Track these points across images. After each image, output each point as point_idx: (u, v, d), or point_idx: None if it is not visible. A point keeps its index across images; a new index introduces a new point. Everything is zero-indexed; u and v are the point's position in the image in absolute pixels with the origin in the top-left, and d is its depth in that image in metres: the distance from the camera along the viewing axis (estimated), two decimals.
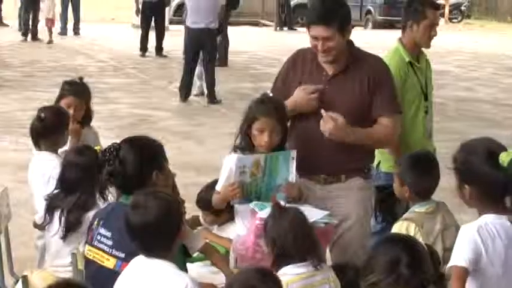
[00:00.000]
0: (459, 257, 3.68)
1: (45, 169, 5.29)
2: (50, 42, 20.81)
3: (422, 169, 4.70)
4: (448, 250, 4.45)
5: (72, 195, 4.85)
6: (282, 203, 4.27)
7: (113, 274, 3.92)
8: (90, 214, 4.61)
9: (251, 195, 4.64)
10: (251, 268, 3.80)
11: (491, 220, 3.77)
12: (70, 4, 22.94)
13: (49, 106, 5.72)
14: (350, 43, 4.89)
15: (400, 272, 2.88)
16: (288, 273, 3.89)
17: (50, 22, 20.93)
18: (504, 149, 3.82)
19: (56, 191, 4.95)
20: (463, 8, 33.89)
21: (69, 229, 4.81)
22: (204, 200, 5.17)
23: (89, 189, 4.81)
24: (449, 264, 3.70)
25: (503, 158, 3.72)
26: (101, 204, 4.64)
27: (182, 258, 3.97)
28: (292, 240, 3.95)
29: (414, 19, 5.77)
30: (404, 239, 3.19)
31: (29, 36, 21.51)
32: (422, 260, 2.97)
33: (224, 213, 5.13)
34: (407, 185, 4.62)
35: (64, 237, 4.82)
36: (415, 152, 5.14)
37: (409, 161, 4.77)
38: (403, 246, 2.98)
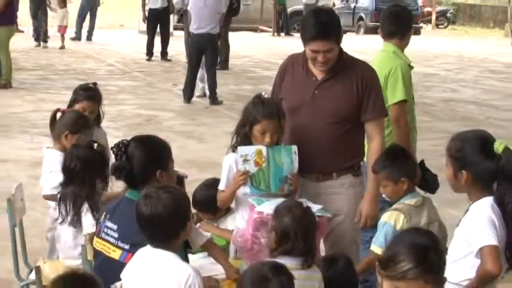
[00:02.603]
0: (487, 236, 3.78)
1: (51, 165, 5.32)
2: (62, 47, 20.78)
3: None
4: None
5: (73, 185, 4.90)
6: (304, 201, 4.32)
7: (119, 264, 3.93)
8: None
9: (260, 185, 4.65)
10: (266, 261, 3.80)
11: (492, 201, 3.89)
12: (89, 13, 23.01)
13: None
14: (340, 49, 4.88)
15: (431, 261, 2.88)
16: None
17: (63, 29, 20.90)
18: (493, 138, 3.98)
19: (61, 182, 5.00)
20: (448, 14, 33.93)
21: (75, 217, 4.86)
22: (199, 201, 5.15)
23: (87, 181, 4.87)
24: (478, 245, 3.78)
25: (498, 146, 3.90)
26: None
27: (183, 250, 3.96)
28: (301, 237, 3.94)
29: (411, 26, 5.88)
30: (427, 231, 3.18)
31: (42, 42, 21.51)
32: (444, 255, 2.96)
33: (220, 212, 5.13)
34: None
35: (72, 224, 4.88)
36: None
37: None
38: (430, 237, 2.97)
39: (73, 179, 4.94)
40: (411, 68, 5.88)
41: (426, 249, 2.87)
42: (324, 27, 4.72)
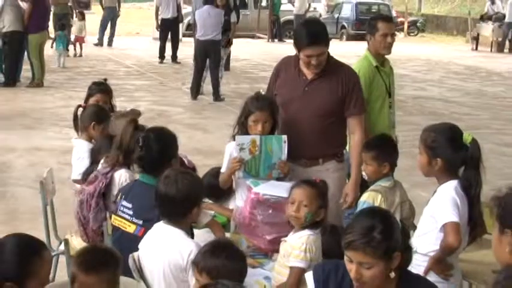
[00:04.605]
0: (449, 214, 3.79)
1: (79, 152, 5.32)
2: (80, 55, 20.05)
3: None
4: (403, 219, 4.48)
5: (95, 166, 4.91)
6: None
7: (134, 237, 3.95)
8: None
9: (251, 171, 4.65)
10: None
11: (456, 184, 3.88)
12: (110, 22, 22.94)
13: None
14: (327, 53, 4.88)
15: (373, 236, 2.86)
16: (308, 233, 3.85)
17: (81, 39, 20.23)
18: (461, 130, 3.98)
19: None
20: (418, 24, 33.90)
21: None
22: (205, 186, 5.13)
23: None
24: (442, 221, 3.79)
25: (466, 137, 3.90)
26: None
27: (189, 226, 3.95)
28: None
29: (370, 32, 5.82)
30: (382, 212, 3.17)
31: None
32: (393, 231, 2.93)
33: (224, 195, 5.11)
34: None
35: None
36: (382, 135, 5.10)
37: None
38: (380, 218, 2.95)
39: (97, 161, 4.94)
40: (379, 69, 5.82)
41: (371, 228, 2.86)
42: (315, 35, 4.75)
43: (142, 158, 4.22)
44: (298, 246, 3.78)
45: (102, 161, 4.75)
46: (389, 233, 2.89)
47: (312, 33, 4.75)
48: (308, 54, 4.75)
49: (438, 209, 3.86)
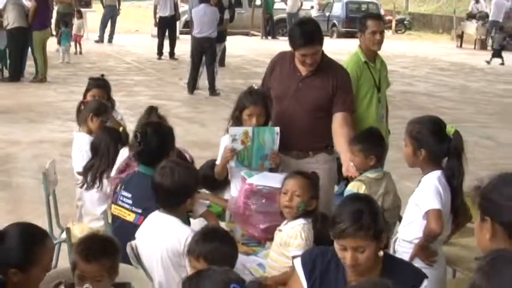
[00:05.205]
0: (432, 201, 3.80)
1: (81, 145, 5.31)
2: (80, 52, 19.82)
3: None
4: (385, 210, 4.49)
5: (96, 159, 4.91)
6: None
7: (133, 226, 3.94)
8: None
9: (244, 161, 4.65)
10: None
11: (440, 174, 3.89)
12: (110, 20, 22.88)
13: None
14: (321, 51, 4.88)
15: (363, 220, 2.87)
16: (302, 222, 3.82)
17: (79, 38, 19.93)
18: (444, 123, 3.98)
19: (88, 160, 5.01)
20: (406, 22, 33.91)
21: (93, 183, 4.88)
22: (201, 177, 5.13)
23: (106, 158, 4.86)
24: (425, 209, 3.81)
25: (449, 130, 3.91)
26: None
27: (185, 215, 3.96)
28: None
29: (361, 30, 5.83)
30: (364, 196, 3.18)
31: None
32: (378, 212, 2.96)
33: (219, 187, 5.11)
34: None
35: (91, 187, 4.90)
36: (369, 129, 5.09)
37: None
38: (365, 202, 2.97)
39: (97, 153, 4.94)
40: (369, 64, 5.83)
41: (360, 212, 2.88)
42: (309, 35, 4.72)
43: (141, 153, 4.22)
44: (296, 236, 3.75)
45: (126, 150, 4.75)
46: (375, 215, 2.92)
47: (306, 33, 4.73)
48: (303, 54, 4.74)
49: (422, 197, 3.88)
